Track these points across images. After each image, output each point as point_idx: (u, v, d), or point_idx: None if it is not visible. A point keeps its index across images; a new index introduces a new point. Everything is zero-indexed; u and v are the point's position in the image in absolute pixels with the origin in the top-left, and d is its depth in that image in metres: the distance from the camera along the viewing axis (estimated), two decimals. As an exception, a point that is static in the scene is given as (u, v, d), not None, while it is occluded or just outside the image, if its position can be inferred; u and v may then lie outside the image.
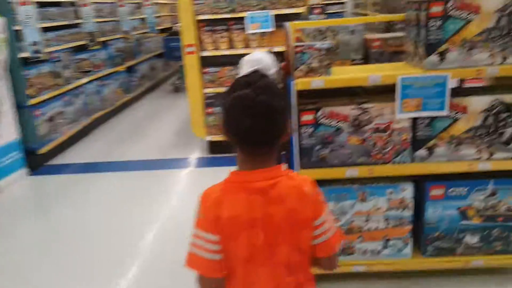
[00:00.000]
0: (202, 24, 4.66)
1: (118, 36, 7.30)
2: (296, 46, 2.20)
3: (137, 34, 8.16)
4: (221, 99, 1.23)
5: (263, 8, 4.52)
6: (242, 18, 4.56)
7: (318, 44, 2.15)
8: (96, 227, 3.50)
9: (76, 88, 5.70)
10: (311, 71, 2.17)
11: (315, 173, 2.24)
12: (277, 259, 1.21)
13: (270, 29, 4.50)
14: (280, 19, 4.57)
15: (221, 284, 1.25)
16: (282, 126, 1.20)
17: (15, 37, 4.56)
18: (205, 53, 4.65)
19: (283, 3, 4.50)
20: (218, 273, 1.22)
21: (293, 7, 4.51)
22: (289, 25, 2.64)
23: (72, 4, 5.87)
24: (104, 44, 6.66)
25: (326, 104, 2.22)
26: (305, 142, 2.25)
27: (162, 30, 9.67)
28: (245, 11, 4.53)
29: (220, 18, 4.57)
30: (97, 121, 6.27)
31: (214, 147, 4.87)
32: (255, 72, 1.23)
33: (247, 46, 4.67)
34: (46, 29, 5.28)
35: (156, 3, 9.38)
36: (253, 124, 1.14)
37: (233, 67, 4.67)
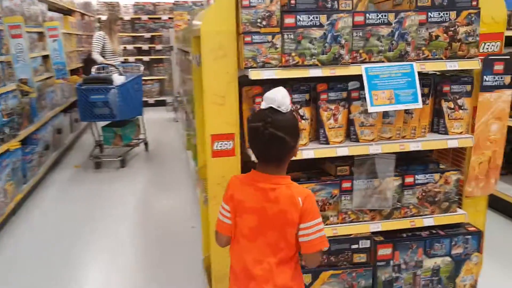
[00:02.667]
0: (256, 89, 2.01)
1: (9, 88, 4.13)
2: None
3: (38, 81, 5.01)
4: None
5: (399, 57, 2.05)
6: (350, 78, 2.04)
7: None
8: None
9: None
10: None
11: None
12: (265, 240, 1.59)
13: (417, 105, 2.03)
14: (426, 81, 2.15)
15: (228, 242, 1.70)
16: (286, 151, 1.57)
17: None
18: (262, 155, 1.99)
19: (438, 47, 2.08)
20: (227, 232, 1.68)
21: (458, 58, 2.10)
22: None
23: None
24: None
25: None
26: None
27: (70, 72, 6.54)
28: (361, 62, 2.02)
29: (300, 78, 1.97)
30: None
31: None
32: (269, 108, 1.54)
33: (353, 141, 2.13)
34: None
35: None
36: (262, 149, 1.58)
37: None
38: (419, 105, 2.03)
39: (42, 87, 5.25)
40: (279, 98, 1.53)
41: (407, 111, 2.13)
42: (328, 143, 2.08)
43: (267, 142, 1.52)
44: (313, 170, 2.29)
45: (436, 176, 2.21)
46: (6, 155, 3.91)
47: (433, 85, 2.21)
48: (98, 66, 6.15)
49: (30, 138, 4.73)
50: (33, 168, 4.71)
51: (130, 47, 10.00)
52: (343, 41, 1.96)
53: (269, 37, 1.90)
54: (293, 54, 1.93)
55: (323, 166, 2.30)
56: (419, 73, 2.06)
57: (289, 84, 2.00)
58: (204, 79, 1.96)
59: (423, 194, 2.22)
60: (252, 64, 1.91)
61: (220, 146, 2.03)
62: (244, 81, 2.02)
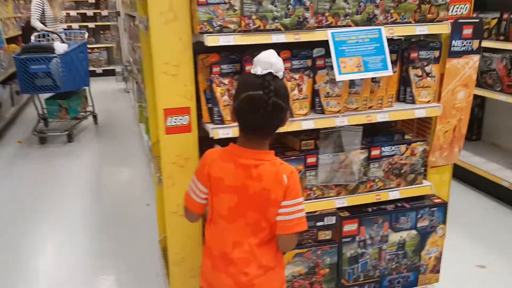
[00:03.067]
0: (213, 57, 1.81)
1: None
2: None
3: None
4: (235, 92, 1.46)
5: (367, 21, 1.90)
6: (314, 44, 1.88)
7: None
8: None
9: None
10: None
11: None
12: (245, 221, 1.46)
13: (387, 72, 1.91)
14: (396, 47, 2.02)
15: (199, 218, 1.62)
16: (281, 121, 1.44)
17: None
18: (222, 131, 1.82)
19: (407, 9, 1.94)
20: (198, 210, 1.55)
21: (427, 21, 1.98)
22: None
23: None
24: None
25: None
26: None
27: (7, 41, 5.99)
28: (327, 26, 1.85)
29: (260, 44, 1.78)
30: None
31: None
32: (268, 74, 1.37)
33: (318, 113, 1.99)
34: None
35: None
36: (257, 121, 1.39)
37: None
38: (389, 72, 1.91)
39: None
40: (276, 62, 1.39)
41: (374, 80, 2.01)
42: (292, 116, 1.93)
43: (268, 112, 1.35)
44: (275, 145, 2.14)
45: (403, 147, 2.12)
46: None
47: (400, 51, 2.09)
48: (38, 33, 5.67)
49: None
50: (-32, 146, 4.31)
51: (73, 13, 9.33)
52: (308, 3, 1.77)
53: (224, -1, 1.69)
54: (253, 17, 1.73)
55: (285, 140, 2.16)
56: (386, 38, 1.93)
57: (249, 51, 1.81)
58: (154, 46, 1.74)
59: (389, 166, 2.13)
60: (207, 28, 1.69)
61: (175, 122, 1.82)
62: (199, 49, 1.81)
